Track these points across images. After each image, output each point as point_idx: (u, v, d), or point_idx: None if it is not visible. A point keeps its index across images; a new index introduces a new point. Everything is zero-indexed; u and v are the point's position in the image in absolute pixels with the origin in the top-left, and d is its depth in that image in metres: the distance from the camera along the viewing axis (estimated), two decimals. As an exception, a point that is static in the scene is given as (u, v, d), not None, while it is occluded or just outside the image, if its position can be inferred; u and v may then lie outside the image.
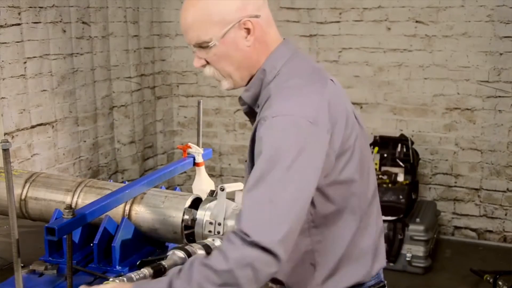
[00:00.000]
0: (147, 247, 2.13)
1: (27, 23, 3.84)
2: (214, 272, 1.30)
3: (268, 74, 1.50)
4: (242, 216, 1.35)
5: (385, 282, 1.66)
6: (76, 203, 2.12)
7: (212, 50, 1.49)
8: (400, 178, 4.48)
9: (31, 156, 3.97)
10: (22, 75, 3.84)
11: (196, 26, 1.47)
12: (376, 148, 4.65)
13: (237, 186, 2.10)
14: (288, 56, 1.52)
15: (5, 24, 3.68)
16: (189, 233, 2.03)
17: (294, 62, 1.52)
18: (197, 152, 2.49)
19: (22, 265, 1.70)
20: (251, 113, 1.58)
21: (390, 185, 4.43)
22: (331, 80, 1.57)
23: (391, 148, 4.60)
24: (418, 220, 4.29)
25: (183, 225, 2.03)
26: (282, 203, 1.33)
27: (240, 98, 1.58)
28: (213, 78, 1.60)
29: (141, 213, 2.08)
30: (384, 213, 4.65)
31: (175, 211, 2.05)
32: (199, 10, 1.45)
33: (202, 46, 1.49)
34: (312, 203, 1.45)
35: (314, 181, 1.40)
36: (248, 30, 1.46)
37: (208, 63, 1.55)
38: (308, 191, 1.39)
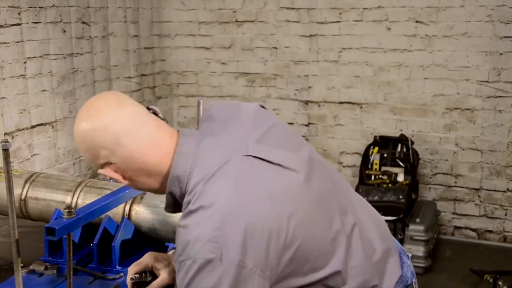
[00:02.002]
0: (147, 247, 2.13)
1: (27, 23, 3.84)
2: None
3: (178, 195, 1.39)
4: None
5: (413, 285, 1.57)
6: (76, 203, 2.12)
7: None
8: (400, 178, 4.49)
9: (31, 156, 3.97)
10: (22, 75, 3.84)
11: None
12: (376, 148, 4.65)
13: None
14: (188, 165, 1.37)
15: (5, 24, 3.68)
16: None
17: (197, 167, 1.35)
18: (197, 152, 2.48)
19: (22, 265, 1.70)
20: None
21: (390, 185, 4.43)
22: (247, 145, 1.38)
23: (391, 148, 4.60)
24: (418, 220, 4.29)
25: (183, 225, 2.03)
26: None
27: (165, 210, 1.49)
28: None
29: (141, 213, 2.08)
30: (384, 213, 4.68)
31: (175, 211, 2.05)
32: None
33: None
34: None
35: None
36: (112, 174, 1.41)
37: None
38: None
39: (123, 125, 1.37)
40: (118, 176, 1.40)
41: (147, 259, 1.63)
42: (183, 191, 1.36)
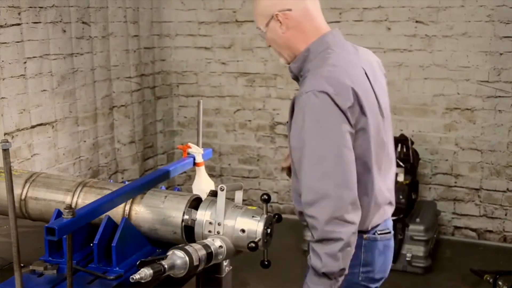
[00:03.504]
0: (147, 247, 2.13)
1: (27, 23, 3.84)
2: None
3: (311, 54, 1.94)
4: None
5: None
6: (76, 203, 2.12)
7: (265, 35, 1.99)
8: (400, 178, 4.47)
9: (31, 156, 3.97)
10: (22, 75, 3.84)
11: (255, 17, 2.01)
12: (376, 148, 4.65)
13: (237, 186, 2.10)
14: (329, 44, 1.96)
15: (5, 24, 3.68)
16: (189, 233, 2.03)
17: (335, 50, 1.95)
18: (197, 152, 2.49)
19: (22, 265, 1.70)
20: (297, 80, 2.01)
21: (390, 185, 4.42)
22: (363, 69, 1.96)
23: (391, 148, 4.59)
24: (418, 220, 4.29)
25: (183, 225, 2.03)
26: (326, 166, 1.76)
27: (289, 67, 2.01)
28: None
29: (141, 213, 2.08)
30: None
31: (175, 211, 2.05)
32: (255, 5, 1.99)
33: (260, 32, 2.00)
34: None
35: (346, 143, 1.79)
36: (280, 22, 1.93)
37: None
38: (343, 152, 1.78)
39: None
40: (277, 28, 1.93)
41: None
42: (317, 54, 1.93)
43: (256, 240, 1.91)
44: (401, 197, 4.27)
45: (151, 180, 2.21)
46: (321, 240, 1.75)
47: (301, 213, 1.97)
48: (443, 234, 4.89)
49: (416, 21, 4.69)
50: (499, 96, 4.57)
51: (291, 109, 1.90)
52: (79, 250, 2.04)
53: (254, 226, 1.94)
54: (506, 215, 4.73)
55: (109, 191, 2.07)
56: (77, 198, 2.13)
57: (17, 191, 2.14)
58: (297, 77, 2.01)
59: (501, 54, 4.51)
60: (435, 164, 4.87)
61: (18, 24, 3.78)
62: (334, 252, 1.74)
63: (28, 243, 2.03)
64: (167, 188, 2.32)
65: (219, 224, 1.96)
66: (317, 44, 1.95)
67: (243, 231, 1.94)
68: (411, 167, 4.52)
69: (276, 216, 2.06)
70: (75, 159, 4.41)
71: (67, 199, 2.14)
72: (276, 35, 1.96)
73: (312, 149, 1.77)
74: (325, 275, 1.77)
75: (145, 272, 1.67)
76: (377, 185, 1.98)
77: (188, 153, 2.50)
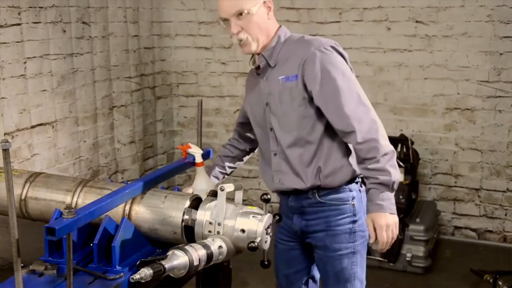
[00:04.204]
0: (147, 247, 2.13)
1: (27, 23, 3.84)
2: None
3: (280, 38, 2.25)
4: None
5: None
6: (76, 203, 2.12)
7: (249, 18, 2.17)
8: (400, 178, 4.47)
9: (31, 156, 3.97)
10: (22, 75, 3.84)
11: (240, 1, 2.17)
12: (376, 148, 4.64)
13: (237, 186, 2.10)
14: (290, 32, 2.30)
15: (5, 24, 3.68)
16: (189, 233, 2.03)
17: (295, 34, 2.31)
18: (197, 152, 2.49)
19: (22, 265, 1.70)
20: (264, 68, 2.27)
21: (390, 185, 4.42)
22: None
23: (391, 148, 4.58)
24: (418, 220, 4.29)
25: (183, 225, 2.03)
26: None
27: (261, 55, 2.25)
28: (240, 44, 2.24)
29: (141, 213, 2.08)
30: (384, 213, 4.58)
31: (175, 211, 2.05)
32: None
33: (242, 15, 2.17)
34: None
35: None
36: (269, 8, 2.22)
37: (242, 29, 2.20)
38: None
39: None
40: (264, 14, 2.21)
41: None
42: (286, 38, 2.27)
43: (256, 240, 1.91)
44: (401, 197, 4.26)
45: (151, 180, 2.21)
46: (384, 155, 2.12)
47: (318, 188, 2.26)
48: (443, 234, 4.89)
49: (416, 21, 4.69)
50: (499, 96, 4.57)
51: (301, 70, 2.16)
52: (79, 250, 2.04)
53: (254, 226, 1.94)
54: (506, 215, 4.73)
55: (109, 191, 2.07)
56: (77, 198, 2.14)
57: (17, 191, 2.14)
58: (268, 64, 2.25)
59: (501, 54, 4.51)
60: (435, 164, 4.87)
61: (18, 24, 3.78)
62: (394, 162, 2.16)
63: (28, 243, 2.03)
64: (167, 188, 2.32)
65: (219, 224, 1.96)
66: (282, 32, 2.28)
67: (243, 231, 1.94)
68: (411, 167, 4.52)
69: (276, 216, 2.06)
70: (75, 159, 4.41)
71: (67, 199, 2.14)
72: (263, 20, 2.21)
73: (347, 89, 2.13)
74: (393, 186, 2.16)
75: (145, 272, 1.67)
76: None
77: (188, 153, 2.50)
